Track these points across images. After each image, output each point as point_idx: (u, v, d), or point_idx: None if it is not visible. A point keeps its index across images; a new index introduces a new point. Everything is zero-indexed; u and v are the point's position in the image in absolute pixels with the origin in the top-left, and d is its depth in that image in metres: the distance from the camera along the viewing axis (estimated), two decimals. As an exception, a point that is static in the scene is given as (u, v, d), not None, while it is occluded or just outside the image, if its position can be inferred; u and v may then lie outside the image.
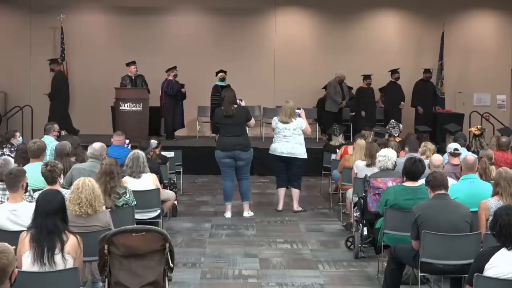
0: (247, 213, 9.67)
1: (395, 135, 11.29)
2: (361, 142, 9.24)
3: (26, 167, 6.48)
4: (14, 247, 3.68)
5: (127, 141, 9.73)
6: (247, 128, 9.90)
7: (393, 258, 5.91)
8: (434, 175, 5.75)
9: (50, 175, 5.93)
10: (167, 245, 4.72)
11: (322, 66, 15.68)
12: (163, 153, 10.50)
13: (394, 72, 14.97)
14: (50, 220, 4.55)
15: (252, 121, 9.77)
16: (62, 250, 4.51)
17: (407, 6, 16.40)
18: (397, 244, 6.01)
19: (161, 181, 8.06)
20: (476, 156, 7.33)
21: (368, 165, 8.27)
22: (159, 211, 7.52)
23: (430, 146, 8.79)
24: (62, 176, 6.13)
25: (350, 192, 8.54)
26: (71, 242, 4.59)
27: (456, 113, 15.46)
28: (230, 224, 9.20)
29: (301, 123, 9.76)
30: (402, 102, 14.92)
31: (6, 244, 3.59)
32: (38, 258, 4.48)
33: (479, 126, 10.91)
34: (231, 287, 6.57)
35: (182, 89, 14.69)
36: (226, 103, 9.52)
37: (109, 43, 16.14)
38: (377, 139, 10.80)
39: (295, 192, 9.96)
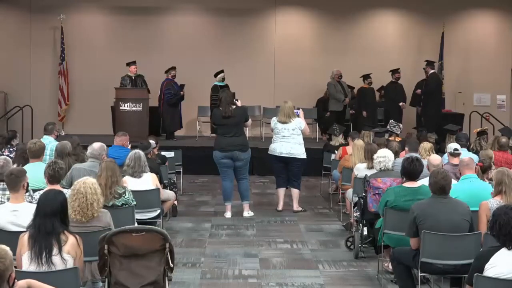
0: (247, 213, 9.67)
1: (397, 133, 11.29)
2: (358, 142, 9.20)
3: (26, 167, 6.48)
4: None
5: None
6: (245, 128, 9.91)
7: (397, 262, 5.88)
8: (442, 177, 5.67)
9: (57, 174, 5.93)
10: (167, 245, 4.72)
11: (322, 66, 15.65)
12: (163, 153, 10.50)
13: (394, 72, 14.94)
14: (49, 221, 4.55)
15: (250, 121, 9.76)
16: (60, 250, 4.52)
17: (407, 6, 16.40)
18: (395, 248, 6.02)
19: (161, 181, 8.06)
20: (475, 156, 7.32)
21: (369, 168, 8.21)
22: (159, 211, 7.52)
23: (426, 145, 8.77)
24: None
25: (350, 192, 8.52)
26: (71, 242, 4.59)
27: (456, 113, 15.46)
28: (230, 224, 9.20)
29: (299, 123, 9.75)
30: (403, 102, 14.90)
31: (4, 247, 3.55)
32: (36, 258, 4.48)
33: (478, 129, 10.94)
34: (231, 287, 6.57)
35: (181, 92, 14.70)
36: (225, 104, 9.49)
37: (109, 43, 16.14)
38: (376, 139, 10.78)
39: (295, 192, 9.96)
